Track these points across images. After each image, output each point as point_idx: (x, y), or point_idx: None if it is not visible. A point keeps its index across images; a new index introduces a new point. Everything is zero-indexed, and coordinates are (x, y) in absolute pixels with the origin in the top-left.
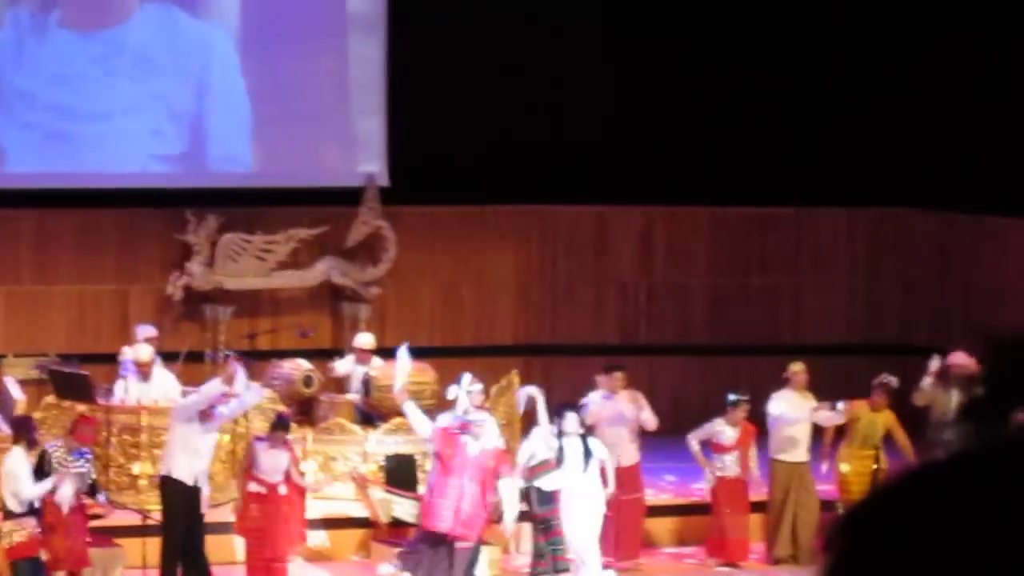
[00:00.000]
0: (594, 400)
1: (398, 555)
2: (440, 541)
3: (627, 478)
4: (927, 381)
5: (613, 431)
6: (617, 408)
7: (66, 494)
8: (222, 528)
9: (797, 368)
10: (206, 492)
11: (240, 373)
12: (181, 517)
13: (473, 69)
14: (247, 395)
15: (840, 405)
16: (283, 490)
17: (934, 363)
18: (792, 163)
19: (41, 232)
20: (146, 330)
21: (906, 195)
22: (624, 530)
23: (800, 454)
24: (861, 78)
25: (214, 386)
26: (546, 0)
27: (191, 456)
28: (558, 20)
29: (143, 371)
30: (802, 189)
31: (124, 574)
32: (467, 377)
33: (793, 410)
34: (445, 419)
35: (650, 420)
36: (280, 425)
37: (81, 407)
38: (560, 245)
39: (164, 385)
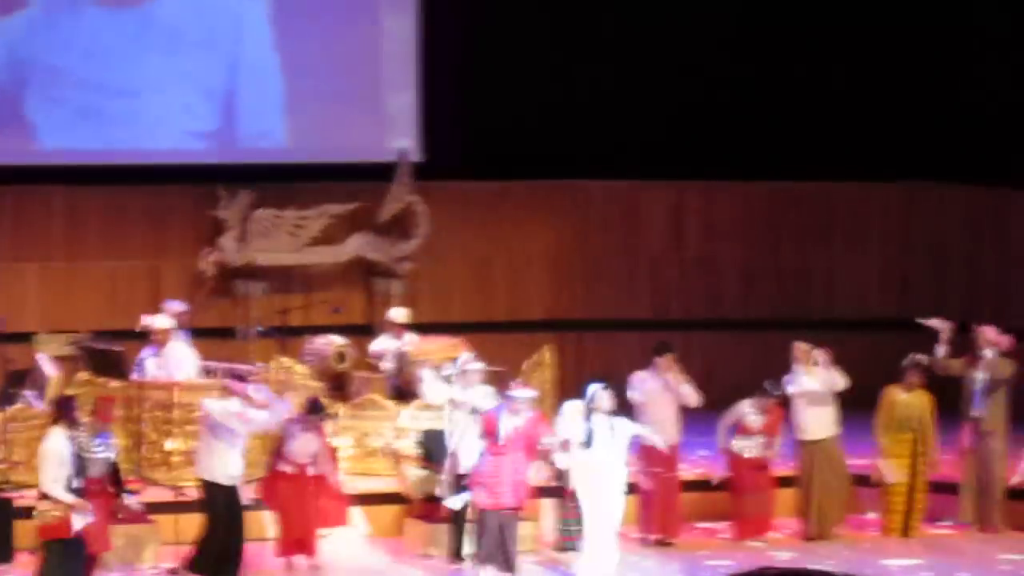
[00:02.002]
0: (643, 379)
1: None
2: (501, 517)
3: (669, 457)
4: (941, 351)
5: (666, 410)
6: (670, 387)
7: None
8: (254, 504)
9: (801, 346)
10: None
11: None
12: (223, 517)
13: (505, 44)
14: (273, 414)
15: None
16: (311, 471)
17: (944, 331)
18: (824, 138)
19: (72, 208)
20: (174, 306)
21: (937, 168)
22: (665, 508)
23: (817, 431)
24: (892, 52)
25: (258, 415)
26: None
27: (225, 459)
28: None
29: (157, 341)
30: (834, 163)
31: (158, 551)
32: (465, 356)
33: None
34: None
35: (691, 395)
36: (313, 409)
37: (113, 384)
38: (592, 220)
39: (177, 358)
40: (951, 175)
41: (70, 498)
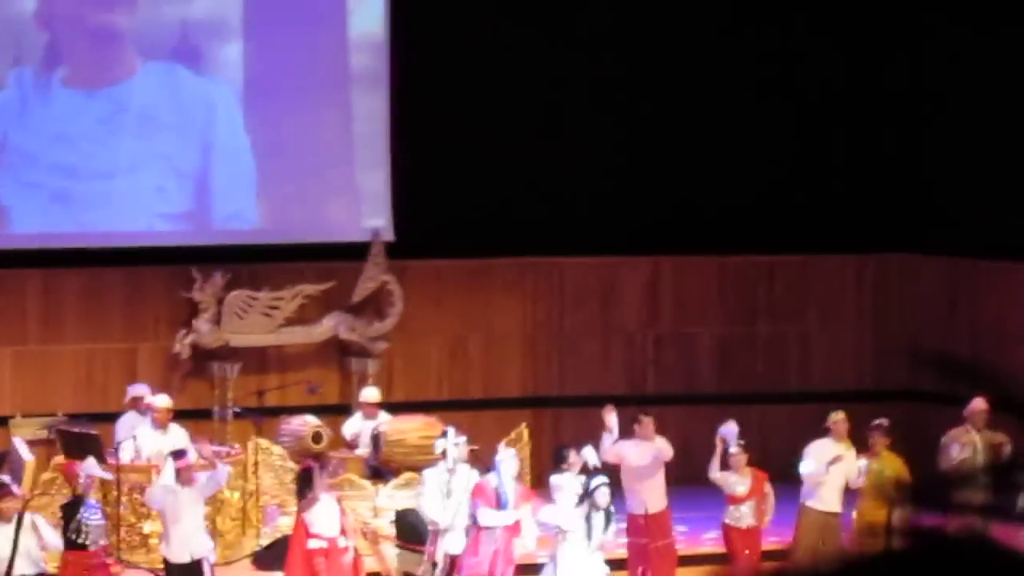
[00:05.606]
0: (620, 446)
1: None
2: None
3: (660, 523)
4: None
5: (651, 478)
6: (654, 454)
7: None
8: None
9: (837, 417)
10: (210, 560)
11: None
12: None
13: (477, 122)
14: (219, 473)
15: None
16: (342, 542)
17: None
18: (798, 210)
19: (47, 292)
20: (138, 389)
21: (911, 240)
22: None
23: (832, 503)
24: (866, 125)
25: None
26: (548, 53)
27: (181, 532)
28: (561, 72)
29: (160, 420)
30: (808, 236)
31: None
32: (451, 431)
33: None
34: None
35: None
36: (304, 480)
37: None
38: (567, 297)
39: (179, 438)
40: (925, 247)
41: None
